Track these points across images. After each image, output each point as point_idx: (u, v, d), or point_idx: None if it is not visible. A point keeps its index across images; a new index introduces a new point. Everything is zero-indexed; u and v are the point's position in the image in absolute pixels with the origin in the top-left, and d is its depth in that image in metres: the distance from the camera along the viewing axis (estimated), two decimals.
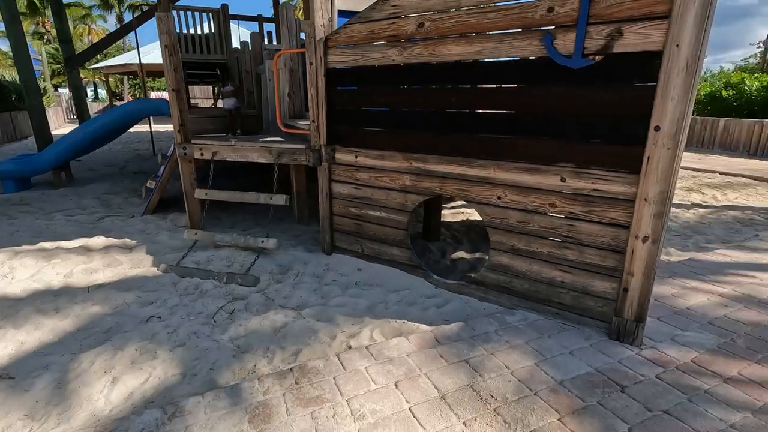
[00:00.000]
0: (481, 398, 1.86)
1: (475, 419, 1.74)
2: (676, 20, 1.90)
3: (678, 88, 1.94)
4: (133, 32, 8.24)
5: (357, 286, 3.10)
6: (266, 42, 7.36)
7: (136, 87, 31.10)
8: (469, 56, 2.54)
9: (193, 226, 4.09)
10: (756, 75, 10.53)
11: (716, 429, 1.71)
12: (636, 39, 2.03)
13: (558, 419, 1.75)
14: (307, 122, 3.47)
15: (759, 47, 21.73)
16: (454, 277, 3.22)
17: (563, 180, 2.36)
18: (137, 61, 9.45)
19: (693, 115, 11.11)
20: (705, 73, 13.79)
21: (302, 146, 3.54)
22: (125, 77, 26.87)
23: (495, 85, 2.55)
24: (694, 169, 7.61)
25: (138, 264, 3.50)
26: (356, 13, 2.99)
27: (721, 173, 7.21)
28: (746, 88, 9.74)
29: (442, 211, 5.19)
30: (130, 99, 25.03)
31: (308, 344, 2.37)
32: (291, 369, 2.07)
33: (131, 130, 15.76)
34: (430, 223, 4.19)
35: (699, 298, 2.82)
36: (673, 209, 5.28)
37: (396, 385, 1.94)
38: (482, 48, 2.49)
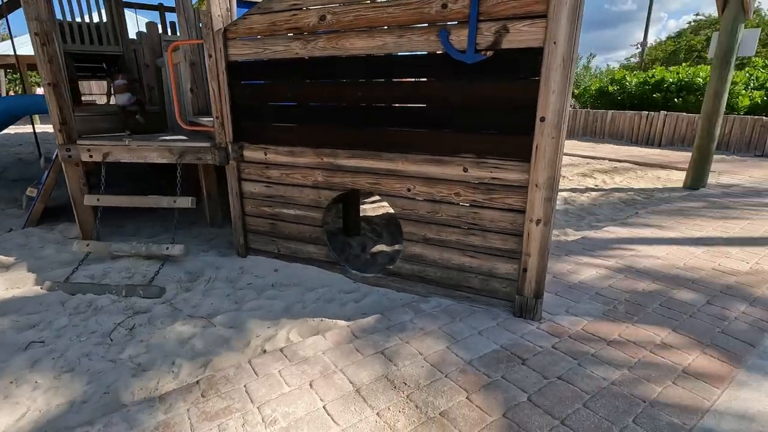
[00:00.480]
0: (395, 387, 1.90)
1: (389, 408, 1.77)
2: (552, 19, 2.07)
3: (558, 81, 2.12)
4: (5, 20, 7.15)
5: (273, 287, 3.00)
6: (170, 33, 6.81)
7: (17, 82, 27.21)
8: (372, 50, 2.56)
9: (85, 237, 3.67)
10: (635, 72, 11.97)
11: (600, 387, 1.91)
12: (520, 36, 2.18)
13: (466, 397, 1.84)
14: (212, 119, 3.27)
15: (637, 48, 24.64)
16: (373, 270, 3.25)
17: (465, 170, 2.48)
18: (12, 53, 8.24)
19: (587, 108, 12.39)
20: (595, 70, 15.39)
21: (207, 144, 3.33)
22: (2, 71, 23.35)
23: (400, 80, 2.60)
24: (588, 157, 8.47)
25: (16, 284, 3.06)
26: (256, 3, 2.86)
27: (610, 160, 8.11)
28: (627, 83, 11.04)
29: (364, 206, 5.22)
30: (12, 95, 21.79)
31: (219, 353, 2.25)
32: (197, 382, 1.94)
33: (10, 130, 13.77)
34: (349, 218, 4.19)
35: (589, 273, 3.14)
36: (570, 194, 5.83)
37: (311, 385, 1.91)
38: (384, 42, 2.52)
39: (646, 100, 10.55)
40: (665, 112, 9.44)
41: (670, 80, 10.07)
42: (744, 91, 9.13)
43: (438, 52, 2.39)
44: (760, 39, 21.43)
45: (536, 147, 2.24)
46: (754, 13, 18.53)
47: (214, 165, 3.52)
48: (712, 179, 6.37)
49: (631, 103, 10.89)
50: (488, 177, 2.43)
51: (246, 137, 3.15)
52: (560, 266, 3.25)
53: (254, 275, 3.16)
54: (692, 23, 24.96)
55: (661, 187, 6.14)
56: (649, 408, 1.79)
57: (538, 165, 2.26)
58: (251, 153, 3.16)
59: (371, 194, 5.61)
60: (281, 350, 2.19)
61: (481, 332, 2.36)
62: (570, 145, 9.93)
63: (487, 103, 2.36)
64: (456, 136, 2.47)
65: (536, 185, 2.29)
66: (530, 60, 2.18)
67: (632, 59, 27.59)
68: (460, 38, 2.30)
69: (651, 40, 34.27)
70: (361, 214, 4.40)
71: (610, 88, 11.22)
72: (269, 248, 3.36)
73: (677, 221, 4.41)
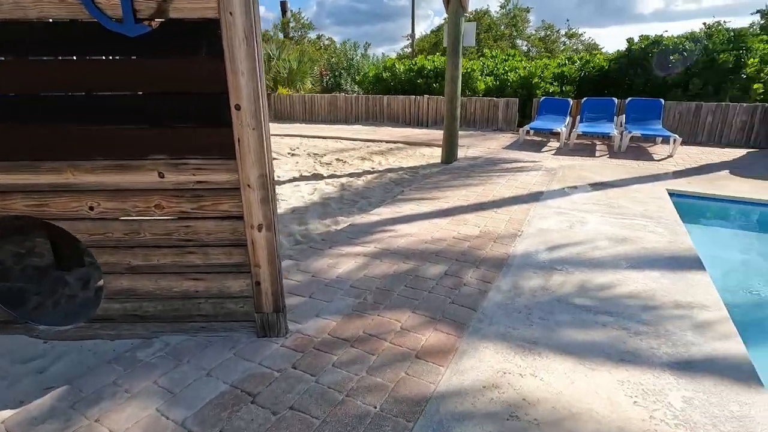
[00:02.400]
0: None
1: None
2: None
3: (245, 61, 1.77)
4: None
5: None
6: None
7: None
8: None
9: None
10: (403, 60, 13.29)
11: (333, 407, 1.72)
12: (190, 3, 1.73)
13: None
14: None
15: (408, 39, 27.74)
16: (83, 316, 2.44)
17: (162, 175, 1.95)
18: None
19: (368, 93, 13.21)
20: (373, 59, 16.53)
21: None
22: None
23: (39, 58, 1.85)
24: (369, 140, 8.93)
25: None
26: None
27: (387, 141, 8.72)
28: (397, 70, 12.13)
29: None
30: None
31: None
32: None
33: None
34: (62, 247, 3.15)
35: (348, 264, 3.05)
36: (348, 179, 5.91)
37: None
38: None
39: (413, 86, 11.78)
40: (428, 96, 10.70)
41: (429, 68, 11.50)
42: (480, 77, 11.08)
43: (85, 20, 1.75)
44: (491, 34, 26.94)
45: (238, 140, 1.87)
46: (485, 13, 22.61)
47: None
48: (462, 153, 7.43)
49: (402, 88, 12.01)
50: (192, 181, 1.96)
51: None
52: (322, 263, 3.07)
53: None
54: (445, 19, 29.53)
55: (425, 164, 6.83)
56: (377, 417, 1.67)
57: (245, 162, 1.90)
58: None
59: None
60: None
61: (211, 372, 1.93)
62: (354, 130, 10.35)
63: (171, 88, 1.86)
64: (140, 133, 1.90)
65: (248, 185, 1.94)
66: (208, 34, 1.77)
67: (407, 49, 31.01)
68: (111, 2, 1.72)
69: (420, 32, 39.18)
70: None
71: (384, 74, 12.14)
72: None
73: (432, 195, 4.86)
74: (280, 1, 29.45)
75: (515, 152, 7.48)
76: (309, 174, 6.19)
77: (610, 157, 6.96)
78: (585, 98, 8.67)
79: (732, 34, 9.21)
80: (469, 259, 3.13)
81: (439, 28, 28.99)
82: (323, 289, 2.68)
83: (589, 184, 5.22)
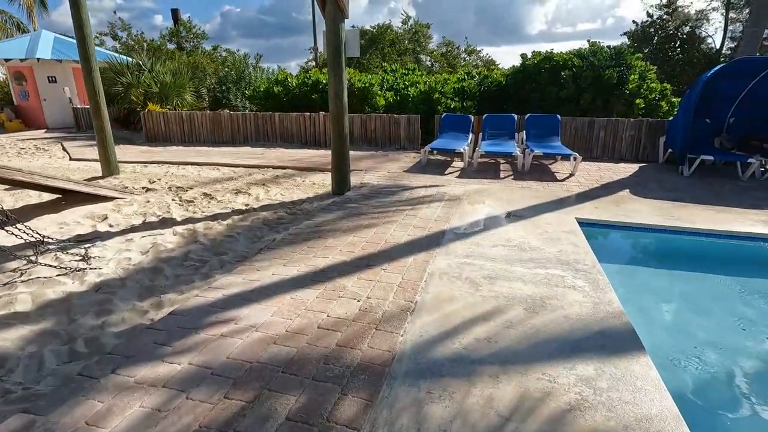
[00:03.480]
0: None
1: None
2: None
3: None
4: None
5: None
6: None
7: None
8: None
9: None
10: (296, 74, 12.16)
11: None
12: None
13: None
14: None
15: (310, 52, 26.69)
16: None
17: None
18: None
19: (255, 111, 11.81)
20: (269, 72, 15.15)
21: None
22: None
23: None
24: (253, 167, 7.60)
25: None
26: None
27: (274, 167, 7.48)
28: (290, 84, 10.95)
29: None
30: None
31: None
32: None
33: None
34: None
35: (129, 412, 1.81)
36: (207, 223, 4.58)
37: None
38: None
39: (308, 102, 10.68)
40: (324, 113, 9.67)
41: (324, 81, 10.47)
42: (380, 91, 10.34)
43: None
44: (395, 48, 26.94)
45: None
46: (388, 28, 22.24)
47: None
48: (358, 179, 6.48)
49: (297, 104, 10.84)
50: None
51: None
52: (82, 412, 1.79)
53: None
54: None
55: (312, 195, 5.73)
56: None
57: None
58: None
59: None
60: None
61: None
62: (239, 154, 8.91)
63: None
64: None
65: None
66: None
67: (311, 63, 29.92)
68: None
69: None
70: None
71: (276, 89, 10.87)
72: None
73: (309, 246, 3.76)
74: (171, 9, 26.67)
75: (417, 176, 6.71)
76: (157, 219, 4.73)
77: (514, 179, 6.48)
78: (486, 114, 8.28)
79: (612, 51, 9.56)
80: (335, 372, 2.06)
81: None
82: None
83: (496, 216, 4.52)
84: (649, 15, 21.04)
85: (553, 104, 9.51)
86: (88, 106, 15.02)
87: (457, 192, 5.66)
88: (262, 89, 11.41)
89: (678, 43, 21.12)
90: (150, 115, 10.60)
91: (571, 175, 6.69)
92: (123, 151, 9.28)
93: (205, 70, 13.83)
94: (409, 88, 10.28)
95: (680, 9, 21.05)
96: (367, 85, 10.22)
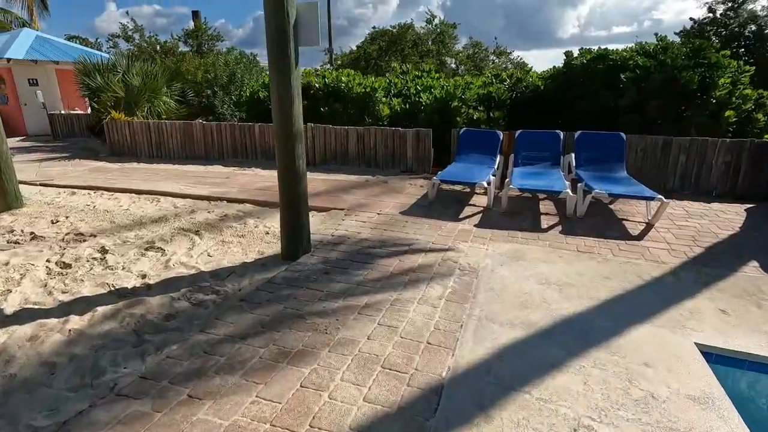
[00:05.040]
0: None
1: None
2: None
3: None
4: None
5: None
6: None
7: None
8: None
9: None
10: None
11: None
12: None
13: None
14: None
15: (326, 54, 24.94)
16: None
17: None
18: None
19: (237, 121, 10.04)
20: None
21: None
22: None
23: None
24: (205, 197, 5.71)
25: None
26: None
27: (229, 200, 5.57)
28: None
29: None
30: None
31: None
32: None
33: None
34: None
35: None
36: (53, 319, 2.68)
37: None
38: None
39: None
40: (312, 125, 7.73)
41: (317, 85, 8.54)
42: (384, 98, 8.35)
43: None
44: (417, 50, 24.89)
45: None
46: (410, 27, 19.98)
47: None
48: (331, 228, 4.47)
49: None
50: None
51: None
52: None
53: None
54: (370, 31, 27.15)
55: (254, 258, 3.79)
56: None
57: None
58: None
59: None
60: None
61: None
62: (202, 175, 7.08)
63: None
64: None
65: None
66: None
67: (326, 66, 28.29)
68: None
69: (340, 48, 36.91)
70: None
71: (262, 94, 9.03)
72: None
73: (169, 420, 1.80)
74: (192, 11, 25.63)
75: (419, 222, 4.64)
76: None
77: (563, 231, 4.34)
78: (520, 131, 6.13)
79: (689, 47, 7.24)
80: None
81: (363, 43, 26.52)
82: None
83: (542, 332, 2.43)
84: (710, 10, 18.21)
85: (607, 115, 7.28)
86: (71, 111, 13.72)
87: (474, 260, 3.58)
88: (247, 94, 9.61)
89: (743, 43, 18.21)
90: (113, 124, 8.96)
91: (649, 225, 4.49)
92: (68, 169, 7.64)
93: (195, 73, 12.17)
94: (422, 94, 8.23)
95: (745, 5, 18.14)
96: (368, 89, 8.23)
